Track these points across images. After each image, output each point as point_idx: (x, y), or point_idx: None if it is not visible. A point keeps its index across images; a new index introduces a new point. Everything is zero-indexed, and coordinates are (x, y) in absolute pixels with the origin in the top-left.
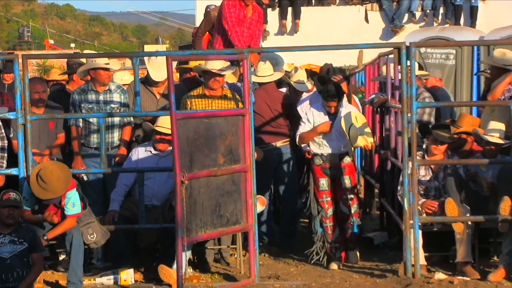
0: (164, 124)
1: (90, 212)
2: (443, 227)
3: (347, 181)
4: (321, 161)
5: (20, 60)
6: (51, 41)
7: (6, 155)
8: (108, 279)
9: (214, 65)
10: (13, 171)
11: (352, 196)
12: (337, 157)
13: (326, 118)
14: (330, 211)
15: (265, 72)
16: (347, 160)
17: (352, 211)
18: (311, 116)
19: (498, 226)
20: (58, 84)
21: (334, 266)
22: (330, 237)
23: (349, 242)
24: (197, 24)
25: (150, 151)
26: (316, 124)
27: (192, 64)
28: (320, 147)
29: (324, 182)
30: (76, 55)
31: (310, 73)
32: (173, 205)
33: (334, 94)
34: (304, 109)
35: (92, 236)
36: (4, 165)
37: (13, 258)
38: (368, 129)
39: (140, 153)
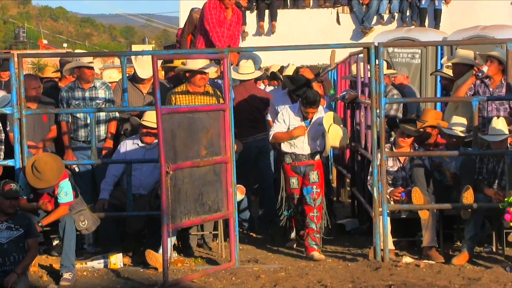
0: (150, 118)
1: (81, 201)
2: (410, 214)
3: (314, 176)
4: (291, 160)
5: (16, 59)
6: (45, 41)
7: (3, 147)
8: (98, 263)
9: (196, 64)
10: (9, 162)
11: (318, 190)
12: (307, 156)
13: (302, 123)
14: (300, 208)
15: (247, 70)
16: (316, 158)
17: (317, 204)
18: (287, 118)
19: (461, 213)
20: (51, 81)
21: (317, 255)
22: (301, 233)
23: (311, 239)
24: (181, 25)
25: (137, 144)
26: (291, 127)
27: (176, 63)
28: (292, 147)
29: (294, 181)
30: (68, 54)
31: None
32: (159, 194)
33: (313, 101)
34: (280, 108)
35: (83, 223)
36: (1, 156)
37: (9, 244)
38: (345, 130)
39: (128, 145)
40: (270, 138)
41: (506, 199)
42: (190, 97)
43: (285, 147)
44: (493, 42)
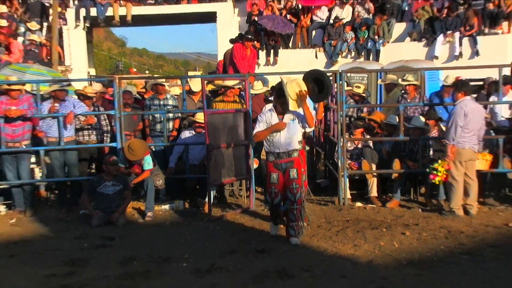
0: (199, 117)
1: (157, 168)
2: (360, 176)
3: (294, 173)
4: (273, 158)
5: (117, 81)
6: (134, 69)
7: (109, 135)
8: (168, 207)
9: (230, 82)
10: (113, 144)
11: (297, 185)
12: (286, 154)
13: (277, 121)
14: (276, 200)
15: (258, 87)
16: (294, 155)
17: (296, 198)
18: (266, 117)
19: (391, 175)
20: (139, 94)
21: (293, 241)
22: (278, 216)
23: (290, 228)
24: (219, 58)
25: (192, 133)
26: (269, 124)
27: (216, 82)
28: (272, 147)
29: (274, 176)
30: (149, 77)
31: None
32: (205, 164)
33: (277, 89)
34: (263, 112)
35: (159, 182)
36: (108, 140)
37: (114, 194)
38: (302, 83)
39: (186, 134)
40: (253, 138)
41: (431, 166)
42: (224, 104)
43: (267, 146)
44: (412, 70)
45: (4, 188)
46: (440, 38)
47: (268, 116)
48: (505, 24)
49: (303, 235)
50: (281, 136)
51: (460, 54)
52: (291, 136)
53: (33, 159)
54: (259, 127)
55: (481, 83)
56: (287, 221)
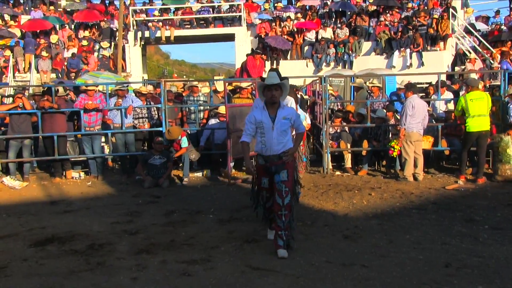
0: (222, 109)
1: (191, 146)
2: (339, 152)
3: (284, 175)
4: (263, 161)
5: (163, 83)
6: (175, 75)
7: (157, 122)
8: (199, 174)
9: (244, 84)
10: (160, 128)
11: (287, 188)
12: (277, 157)
13: (268, 119)
14: (269, 203)
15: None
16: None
17: (285, 203)
18: (258, 118)
19: (361, 152)
20: (178, 93)
21: (281, 253)
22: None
23: (278, 237)
24: (237, 66)
25: (217, 121)
26: (259, 124)
27: (234, 84)
28: (262, 147)
29: (265, 181)
30: (185, 80)
31: None
32: (225, 143)
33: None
34: (253, 110)
35: (192, 156)
36: (156, 126)
37: (160, 165)
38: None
39: (212, 122)
40: (241, 142)
41: (389, 144)
42: (240, 100)
43: (257, 148)
44: (376, 76)
45: (82, 160)
46: (396, 53)
47: (258, 117)
48: (441, 43)
49: (293, 243)
50: (273, 137)
51: (410, 64)
52: (284, 137)
53: (103, 139)
54: (248, 131)
55: (426, 85)
56: (275, 228)
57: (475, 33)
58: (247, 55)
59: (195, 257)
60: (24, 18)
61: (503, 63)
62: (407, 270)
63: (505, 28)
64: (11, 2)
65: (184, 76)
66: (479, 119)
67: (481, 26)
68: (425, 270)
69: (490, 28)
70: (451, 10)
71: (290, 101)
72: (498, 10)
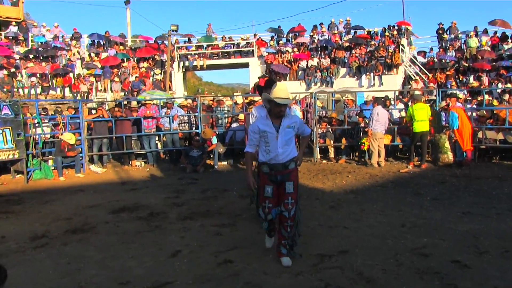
0: (241, 117)
1: (219, 143)
2: (325, 147)
3: (290, 186)
4: (269, 169)
5: (199, 98)
6: (206, 92)
7: (195, 126)
8: (225, 163)
9: (256, 98)
10: (197, 130)
11: (293, 200)
12: (282, 166)
13: (272, 128)
14: (269, 216)
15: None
16: (291, 166)
17: (290, 214)
18: (262, 127)
19: (341, 146)
20: (210, 105)
21: (285, 261)
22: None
23: (282, 246)
24: (251, 86)
25: (237, 124)
26: (263, 133)
27: (249, 98)
28: (267, 155)
29: (269, 190)
30: (213, 96)
31: None
32: (243, 140)
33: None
34: (256, 119)
35: (220, 150)
36: (194, 128)
37: (197, 156)
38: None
39: (234, 125)
40: (245, 152)
41: (361, 141)
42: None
43: (262, 156)
44: (350, 92)
45: (143, 153)
46: (364, 76)
47: (261, 126)
48: (395, 70)
49: (295, 253)
50: (278, 146)
51: (374, 84)
52: (288, 145)
53: (157, 138)
54: (252, 141)
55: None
56: (278, 237)
57: (417, 63)
58: (259, 77)
59: (225, 222)
60: (103, 55)
61: (448, 83)
62: (375, 229)
63: (436, 60)
64: (95, 43)
65: (213, 93)
66: (422, 123)
67: (420, 58)
68: (387, 229)
69: (427, 60)
70: (400, 46)
71: (293, 109)
72: (432, 47)
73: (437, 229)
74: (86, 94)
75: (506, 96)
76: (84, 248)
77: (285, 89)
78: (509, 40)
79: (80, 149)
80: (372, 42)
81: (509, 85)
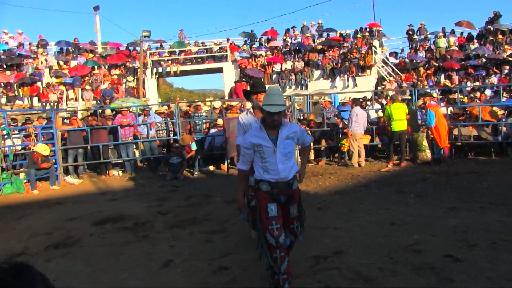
0: (220, 122)
1: (198, 149)
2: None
3: (294, 210)
4: (270, 187)
5: (177, 104)
6: (178, 99)
7: (172, 132)
8: (205, 169)
9: (234, 103)
10: (175, 137)
11: (298, 224)
12: (286, 184)
13: (268, 140)
14: (281, 239)
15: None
16: (295, 185)
17: (294, 240)
18: (256, 141)
19: (320, 148)
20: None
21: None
22: (279, 268)
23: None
24: (226, 92)
25: (216, 130)
26: (258, 147)
27: (227, 103)
28: (265, 173)
29: (273, 208)
30: (193, 101)
31: None
32: (223, 145)
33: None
34: (248, 132)
35: (199, 156)
36: (172, 135)
37: (177, 163)
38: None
39: (212, 130)
40: (238, 170)
41: (340, 142)
42: (232, 114)
43: (258, 174)
44: (326, 93)
45: (120, 162)
46: (337, 78)
47: (254, 141)
48: (368, 71)
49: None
50: (277, 161)
51: (348, 86)
52: (289, 159)
53: (134, 146)
54: (244, 157)
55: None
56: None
57: (390, 64)
58: (235, 82)
59: (214, 228)
60: (73, 63)
61: (429, 82)
62: (365, 229)
63: (407, 60)
64: (64, 51)
65: (185, 99)
66: (400, 122)
67: (392, 59)
68: (378, 228)
69: (398, 60)
70: (372, 48)
71: None
72: (402, 48)
73: (426, 225)
74: (56, 103)
75: (477, 94)
76: (70, 263)
77: (278, 94)
78: (475, 40)
79: (53, 160)
80: (345, 44)
81: (477, 83)
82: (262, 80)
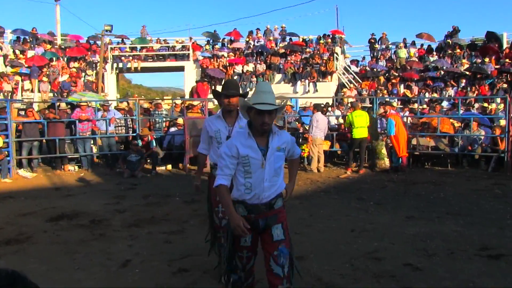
0: (180, 121)
1: (157, 146)
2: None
3: (278, 232)
4: (246, 212)
5: (137, 101)
6: (136, 95)
7: (131, 129)
8: (164, 168)
9: (195, 102)
10: (134, 134)
11: (286, 250)
12: (266, 206)
13: (257, 151)
14: (249, 265)
15: (212, 105)
16: (278, 204)
17: (285, 272)
18: (235, 148)
19: None
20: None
21: None
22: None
23: None
24: (186, 91)
25: (176, 129)
26: (243, 159)
27: (188, 102)
28: (246, 193)
29: (247, 239)
30: (154, 99)
31: None
32: (182, 145)
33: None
34: (229, 141)
35: (159, 154)
36: (131, 132)
37: (136, 161)
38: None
39: (172, 129)
40: (218, 186)
41: (301, 147)
42: (192, 114)
43: (236, 191)
44: (287, 98)
45: (76, 157)
46: (298, 83)
47: (242, 150)
48: (329, 77)
49: None
50: (264, 178)
51: (309, 91)
52: (278, 176)
53: (92, 142)
54: (226, 169)
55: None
56: None
57: (351, 71)
58: (197, 81)
59: (173, 229)
60: (30, 53)
61: (393, 90)
62: (326, 234)
63: (368, 69)
64: (21, 40)
65: (142, 96)
66: (361, 129)
67: (353, 67)
68: (338, 234)
69: (359, 68)
70: (335, 54)
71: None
72: (364, 56)
73: (386, 233)
74: (10, 93)
75: (436, 106)
76: (23, 261)
77: (269, 91)
78: (434, 53)
79: (6, 152)
80: (307, 50)
81: (435, 94)
82: (223, 80)
